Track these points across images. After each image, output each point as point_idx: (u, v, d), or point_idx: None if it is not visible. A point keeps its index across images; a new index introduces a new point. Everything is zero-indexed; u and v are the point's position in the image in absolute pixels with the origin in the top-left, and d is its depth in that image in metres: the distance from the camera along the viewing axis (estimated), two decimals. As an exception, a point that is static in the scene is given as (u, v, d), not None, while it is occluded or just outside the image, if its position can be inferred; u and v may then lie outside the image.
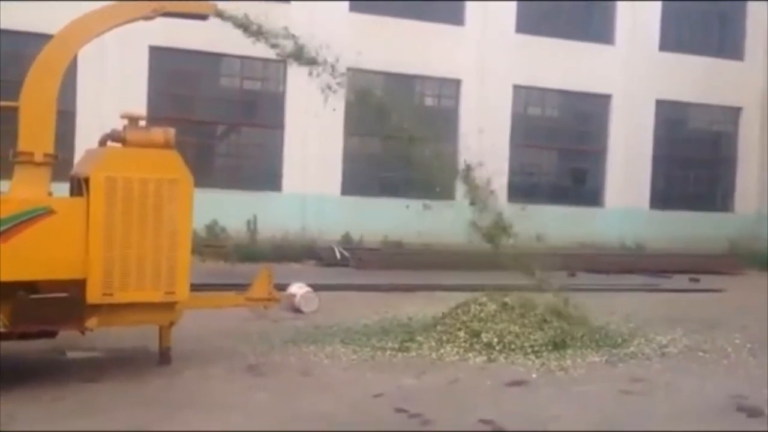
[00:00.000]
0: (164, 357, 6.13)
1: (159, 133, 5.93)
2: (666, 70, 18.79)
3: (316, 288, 9.57)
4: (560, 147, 19.20)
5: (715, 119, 20.44)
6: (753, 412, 5.45)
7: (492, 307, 7.35)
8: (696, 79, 18.93)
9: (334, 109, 7.58)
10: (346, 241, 15.96)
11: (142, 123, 6.05)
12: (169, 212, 5.74)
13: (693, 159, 20.10)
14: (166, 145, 5.90)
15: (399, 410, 5.24)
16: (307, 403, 5.40)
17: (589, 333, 7.48)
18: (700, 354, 7.41)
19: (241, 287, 6.95)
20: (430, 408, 5.30)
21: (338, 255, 14.78)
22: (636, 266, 15.92)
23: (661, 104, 19.22)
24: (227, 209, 14.77)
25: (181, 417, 4.99)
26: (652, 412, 5.46)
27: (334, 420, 5.05)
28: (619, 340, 7.59)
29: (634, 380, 6.29)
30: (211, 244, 14.34)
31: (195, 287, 6.37)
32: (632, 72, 18.72)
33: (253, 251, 14.44)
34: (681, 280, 14.39)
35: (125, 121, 5.97)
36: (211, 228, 14.87)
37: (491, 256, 8.24)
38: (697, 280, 14.38)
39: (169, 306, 5.91)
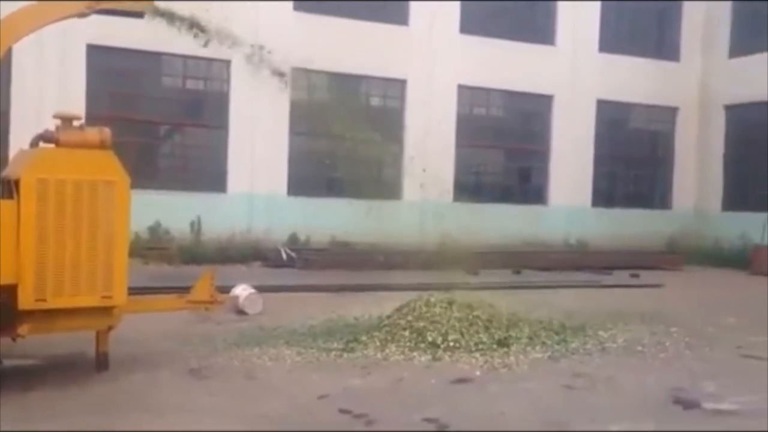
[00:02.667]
0: (102, 363, 5.96)
1: (94, 134, 5.76)
2: (606, 71, 19.21)
3: (261, 289, 9.48)
4: (505, 146, 19.45)
5: (654, 119, 20.99)
6: (689, 405, 5.61)
7: (437, 306, 7.37)
8: (635, 79, 19.42)
9: (282, 74, 7.16)
10: (293, 241, 15.85)
11: (77, 123, 5.87)
12: (104, 214, 5.58)
13: (633, 158, 20.60)
14: (101, 146, 5.72)
15: (344, 411, 5.22)
16: (251, 406, 5.32)
17: (533, 330, 7.58)
18: (639, 348, 7.58)
19: (184, 290, 6.81)
20: (375, 408, 5.29)
21: (284, 256, 14.65)
22: (579, 263, 16.26)
23: (601, 104, 19.63)
24: (171, 211, 14.53)
25: (128, 421, 4.87)
26: (594, 406, 5.55)
27: (279, 422, 4.99)
28: (562, 337, 7.70)
29: (576, 375, 6.40)
30: (154, 247, 14.09)
31: (136, 290, 6.24)
32: (573, 72, 19.08)
33: (197, 253, 14.26)
34: (622, 276, 14.74)
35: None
36: (154, 230, 14.62)
37: (437, 256, 8.29)
38: (637, 276, 14.74)
39: (106, 311, 5.73)
